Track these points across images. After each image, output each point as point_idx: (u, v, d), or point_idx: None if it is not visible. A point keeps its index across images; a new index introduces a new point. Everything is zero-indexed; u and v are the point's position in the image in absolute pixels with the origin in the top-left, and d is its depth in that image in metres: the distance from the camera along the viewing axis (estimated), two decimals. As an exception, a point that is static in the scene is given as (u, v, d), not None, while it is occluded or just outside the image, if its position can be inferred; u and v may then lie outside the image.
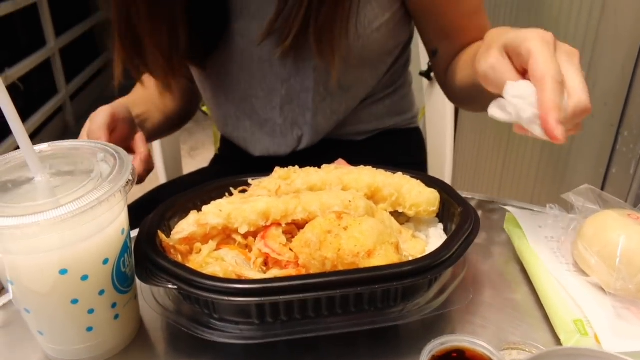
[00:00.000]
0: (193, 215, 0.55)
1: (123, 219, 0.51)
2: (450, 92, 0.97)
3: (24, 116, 2.90)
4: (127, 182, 0.49)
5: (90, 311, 0.51)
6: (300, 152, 1.02)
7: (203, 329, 0.50)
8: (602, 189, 1.46)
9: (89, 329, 0.52)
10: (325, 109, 0.99)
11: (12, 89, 2.76)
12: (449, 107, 1.32)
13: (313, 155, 0.98)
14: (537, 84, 0.53)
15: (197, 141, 3.12)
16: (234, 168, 1.07)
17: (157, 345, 0.56)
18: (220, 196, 0.63)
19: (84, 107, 3.58)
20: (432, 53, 0.98)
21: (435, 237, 0.61)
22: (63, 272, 0.47)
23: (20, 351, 0.57)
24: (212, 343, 0.50)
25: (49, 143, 0.54)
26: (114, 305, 0.52)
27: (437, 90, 1.34)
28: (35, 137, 2.97)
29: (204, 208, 0.56)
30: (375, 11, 0.89)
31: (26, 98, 3.00)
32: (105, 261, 0.49)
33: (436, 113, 1.38)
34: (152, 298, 0.55)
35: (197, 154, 3.04)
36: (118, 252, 0.50)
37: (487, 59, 0.60)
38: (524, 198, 1.67)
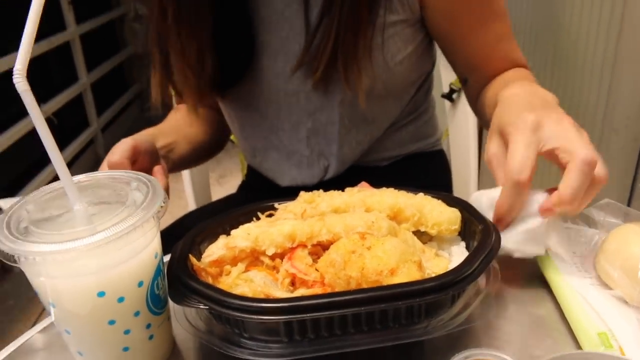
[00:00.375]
0: (222, 239, 0.58)
1: (156, 244, 0.54)
2: (483, 120, 0.98)
3: (59, 149, 2.99)
4: (159, 209, 0.51)
5: (126, 332, 0.53)
6: (327, 181, 1.04)
7: (234, 348, 0.52)
8: (629, 204, 1.45)
9: (125, 349, 0.54)
10: (350, 140, 1.00)
11: (47, 123, 2.85)
12: (472, 128, 1.33)
13: (339, 183, 1.00)
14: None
15: (225, 169, 3.17)
16: (261, 196, 1.09)
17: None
18: (248, 221, 0.65)
19: (115, 140, 3.64)
20: (462, 82, 1.00)
21: (457, 255, 0.62)
22: (101, 294, 0.50)
23: (61, 373, 0.59)
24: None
25: (86, 174, 0.58)
26: (148, 326, 0.55)
27: (460, 111, 1.35)
28: (69, 168, 3.05)
29: (233, 232, 0.58)
30: (398, 45, 0.91)
31: (60, 132, 3.09)
32: (140, 284, 0.52)
33: (459, 134, 1.39)
34: (184, 319, 0.57)
35: (225, 181, 3.09)
36: (152, 275, 0.53)
37: (488, 145, 0.66)
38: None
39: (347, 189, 0.66)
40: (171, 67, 0.93)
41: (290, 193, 0.68)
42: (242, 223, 0.63)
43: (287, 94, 0.96)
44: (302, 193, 0.66)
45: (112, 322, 0.52)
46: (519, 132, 0.59)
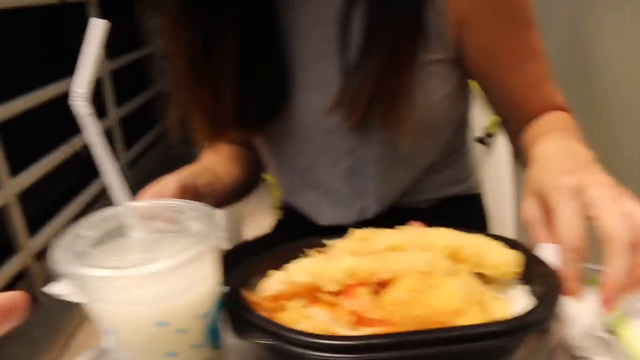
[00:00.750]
0: (280, 273, 0.57)
1: (217, 275, 0.53)
2: (521, 161, 0.97)
3: (86, 182, 3.02)
4: (220, 240, 0.51)
5: (185, 365, 0.52)
6: (365, 222, 1.03)
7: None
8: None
9: (181, 383, 0.53)
10: (390, 179, 1.00)
11: (76, 158, 2.90)
12: (506, 173, 1.32)
13: (378, 224, 0.99)
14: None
15: (254, 208, 3.17)
16: (298, 234, 1.08)
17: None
18: (295, 258, 0.64)
19: (142, 174, 3.71)
20: (502, 122, 0.99)
21: (517, 299, 0.60)
22: (163, 324, 0.49)
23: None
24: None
25: (147, 201, 0.57)
26: (206, 361, 0.53)
27: (494, 156, 1.35)
28: (94, 204, 3.08)
29: (290, 267, 0.57)
30: (436, 84, 0.91)
31: (88, 166, 3.12)
32: (202, 315, 0.51)
33: (493, 179, 1.38)
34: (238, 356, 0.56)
35: (253, 220, 3.09)
36: (213, 307, 0.52)
37: (523, 206, 0.66)
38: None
39: (400, 227, 0.65)
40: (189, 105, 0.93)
41: (327, 231, 0.67)
42: (290, 260, 0.62)
43: (325, 131, 0.95)
44: (353, 230, 0.65)
45: (170, 354, 0.51)
46: (562, 200, 0.59)
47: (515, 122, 0.95)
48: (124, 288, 0.48)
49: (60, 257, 0.49)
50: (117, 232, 0.53)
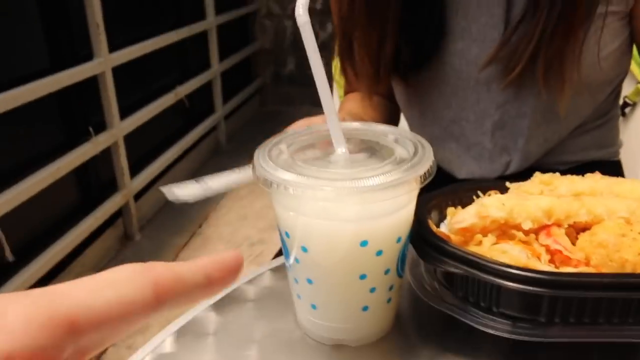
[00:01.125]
0: (474, 206, 0.55)
1: (414, 203, 0.52)
2: None
3: (185, 131, 3.11)
4: (429, 171, 0.49)
5: (372, 290, 0.51)
6: (506, 177, 0.99)
7: (489, 317, 0.49)
8: None
9: (365, 309, 0.52)
10: (538, 136, 0.95)
11: (179, 105, 2.97)
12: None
13: (519, 180, 0.96)
14: None
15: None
16: (435, 187, 1.07)
17: (416, 332, 0.56)
18: (469, 200, 0.62)
19: (235, 128, 3.77)
20: None
21: None
22: (363, 243, 0.48)
23: (277, 324, 0.59)
24: (472, 335, 0.50)
25: (359, 122, 0.56)
26: (391, 288, 0.53)
27: (631, 126, 1.28)
28: (190, 152, 3.16)
29: (485, 200, 0.55)
30: (607, 39, 0.86)
31: (189, 114, 3.20)
32: (399, 239, 0.50)
33: (630, 150, 1.31)
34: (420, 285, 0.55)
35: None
36: (407, 234, 0.51)
37: None
38: None
39: (588, 175, 0.62)
40: (353, 53, 0.92)
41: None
42: (464, 201, 0.61)
43: (477, 82, 0.92)
44: (537, 173, 0.63)
45: (363, 277, 0.50)
46: None
47: None
48: (323, 201, 0.47)
49: (262, 162, 0.49)
50: (321, 149, 0.53)
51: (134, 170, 2.61)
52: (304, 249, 0.50)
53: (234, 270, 0.28)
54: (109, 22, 2.25)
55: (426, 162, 0.49)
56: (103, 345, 0.23)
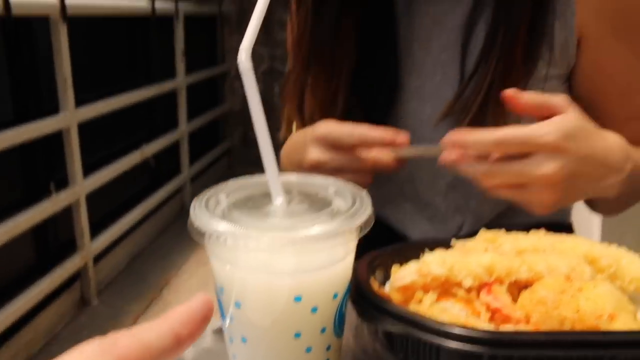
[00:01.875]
0: (415, 263, 0.54)
1: (352, 258, 0.51)
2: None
3: (149, 191, 3.07)
4: (366, 221, 0.48)
5: (308, 349, 0.49)
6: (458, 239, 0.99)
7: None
8: None
9: (301, 370, 0.50)
10: (491, 197, 0.96)
11: (145, 164, 2.95)
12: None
13: None
14: None
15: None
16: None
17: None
18: (416, 257, 0.61)
19: (201, 190, 3.73)
20: None
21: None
22: (297, 299, 0.47)
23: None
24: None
25: (300, 174, 0.56)
26: (328, 348, 0.51)
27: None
28: (154, 214, 3.11)
29: (426, 257, 0.54)
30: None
31: (154, 174, 3.18)
32: (335, 296, 0.48)
33: (581, 213, 1.33)
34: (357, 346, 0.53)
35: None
36: (345, 289, 0.50)
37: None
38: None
39: (532, 231, 0.62)
40: (302, 105, 0.93)
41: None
42: (411, 257, 0.60)
43: (431, 141, 0.93)
44: (482, 231, 0.62)
45: (297, 335, 0.48)
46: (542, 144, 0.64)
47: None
48: (260, 252, 0.46)
49: (199, 213, 0.47)
50: (258, 200, 0.52)
51: (95, 231, 2.55)
52: (237, 305, 0.49)
53: (204, 318, 0.28)
54: (77, 76, 2.25)
55: (363, 213, 0.48)
56: None
